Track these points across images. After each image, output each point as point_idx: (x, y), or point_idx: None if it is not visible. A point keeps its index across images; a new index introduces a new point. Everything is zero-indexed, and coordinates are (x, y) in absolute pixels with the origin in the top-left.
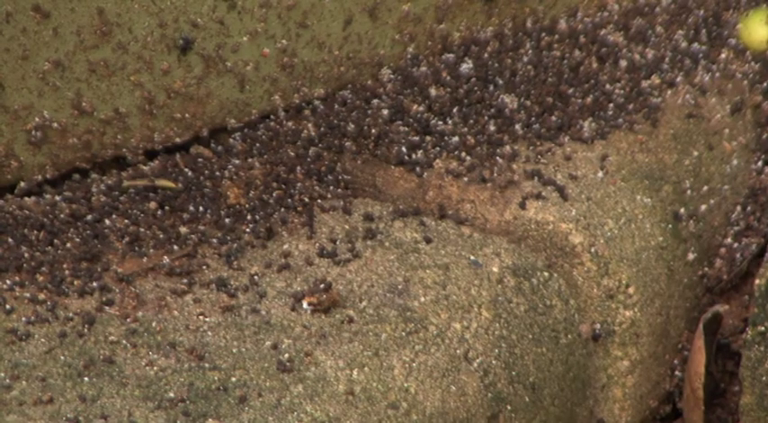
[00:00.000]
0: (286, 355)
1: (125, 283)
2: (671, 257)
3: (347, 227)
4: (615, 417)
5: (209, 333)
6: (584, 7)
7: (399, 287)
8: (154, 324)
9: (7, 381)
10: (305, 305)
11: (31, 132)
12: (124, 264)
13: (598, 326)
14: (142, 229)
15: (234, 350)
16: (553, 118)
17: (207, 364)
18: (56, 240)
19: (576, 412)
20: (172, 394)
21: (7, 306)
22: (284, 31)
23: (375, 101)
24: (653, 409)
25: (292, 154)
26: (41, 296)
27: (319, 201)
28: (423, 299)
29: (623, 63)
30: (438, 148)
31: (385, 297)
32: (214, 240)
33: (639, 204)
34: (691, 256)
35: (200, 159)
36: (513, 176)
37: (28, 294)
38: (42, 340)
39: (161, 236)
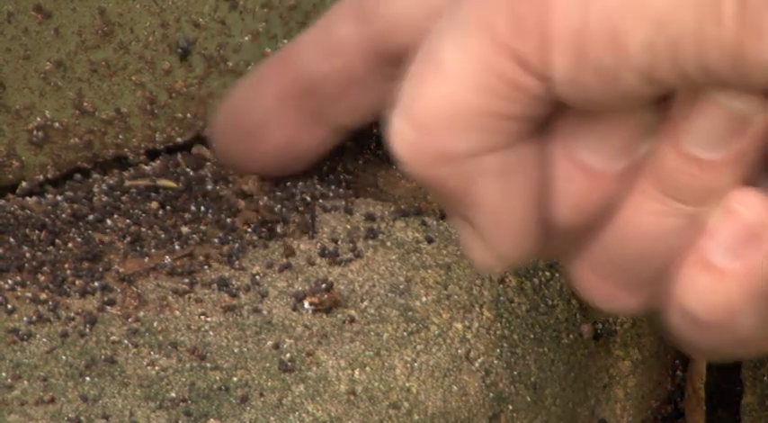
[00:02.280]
0: (287, 355)
1: (126, 282)
2: None
3: (349, 227)
4: (617, 417)
5: (211, 333)
6: None
7: (401, 287)
8: (155, 324)
9: (9, 380)
10: (306, 305)
11: (33, 132)
12: (125, 264)
13: (600, 326)
14: (143, 229)
15: (235, 350)
16: None
17: (208, 364)
18: (57, 240)
19: (577, 412)
20: (173, 394)
21: (9, 306)
22: (286, 32)
23: None
24: (654, 409)
25: None
26: (43, 296)
27: (321, 200)
28: (424, 299)
29: None
30: None
31: (386, 297)
32: (215, 240)
33: None
34: None
35: (201, 159)
36: None
37: (29, 294)
38: (44, 340)
39: (162, 236)
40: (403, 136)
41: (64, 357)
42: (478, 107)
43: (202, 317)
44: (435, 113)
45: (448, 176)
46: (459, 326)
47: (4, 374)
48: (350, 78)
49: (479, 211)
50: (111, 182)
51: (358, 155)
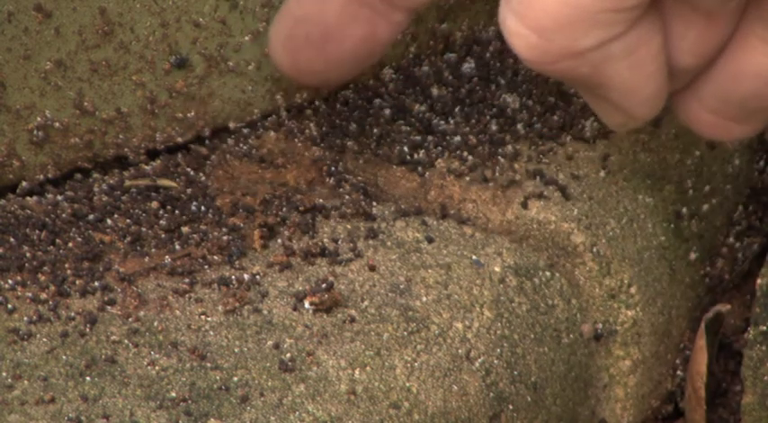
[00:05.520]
0: (288, 355)
1: (127, 282)
2: (673, 257)
3: (349, 227)
4: (617, 416)
5: (211, 333)
6: None
7: (401, 287)
8: (155, 324)
9: (9, 380)
10: (307, 305)
11: (33, 132)
12: (126, 263)
13: (600, 325)
14: (144, 229)
15: (236, 350)
16: (555, 117)
17: (209, 364)
18: (57, 240)
19: (577, 412)
20: (174, 394)
21: (9, 306)
22: None
23: (377, 100)
24: (655, 408)
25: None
26: (43, 296)
27: (321, 201)
28: (424, 298)
29: None
30: (440, 148)
31: (387, 297)
32: (215, 240)
33: (641, 204)
34: (693, 256)
35: (201, 159)
36: (514, 176)
37: (30, 294)
38: (44, 340)
39: (162, 235)
40: (524, 39)
41: (64, 357)
42: (597, 6)
43: (203, 317)
44: (556, 18)
45: (575, 67)
46: (460, 325)
47: (4, 374)
48: None
49: (611, 88)
50: (111, 182)
51: (358, 155)
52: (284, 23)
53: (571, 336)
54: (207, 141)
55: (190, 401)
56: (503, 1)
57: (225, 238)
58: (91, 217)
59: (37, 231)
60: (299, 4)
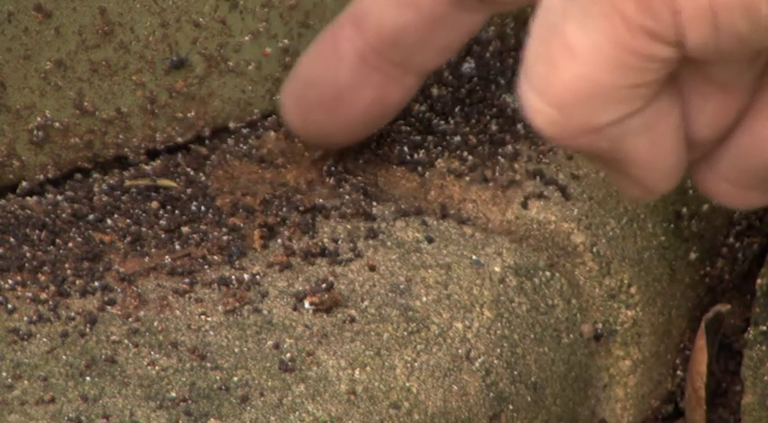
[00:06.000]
0: (288, 355)
1: (127, 282)
2: (673, 257)
3: (349, 227)
4: (617, 416)
5: (211, 332)
6: None
7: (401, 287)
8: (155, 324)
9: (9, 380)
10: (307, 305)
11: (33, 132)
12: (126, 263)
13: (600, 325)
14: (144, 229)
15: (236, 350)
16: None
17: (209, 364)
18: (57, 240)
19: (577, 412)
20: (174, 394)
21: (9, 306)
22: (286, 31)
23: None
24: (655, 408)
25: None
26: (43, 296)
27: (321, 201)
28: (424, 298)
29: None
30: (440, 148)
31: (387, 297)
32: (215, 240)
33: (641, 204)
34: (692, 256)
35: (201, 159)
36: (514, 176)
37: (30, 294)
38: (44, 340)
39: (162, 235)
40: (545, 115)
41: (64, 357)
42: (616, 82)
43: (203, 316)
44: (575, 94)
45: (595, 143)
46: (460, 325)
47: (4, 374)
48: (433, 22)
49: (630, 163)
50: (111, 182)
51: (358, 155)
52: (296, 84)
53: (571, 336)
54: (207, 141)
55: (190, 401)
56: (522, 78)
57: (225, 238)
58: (91, 217)
59: (37, 231)
60: (310, 65)
